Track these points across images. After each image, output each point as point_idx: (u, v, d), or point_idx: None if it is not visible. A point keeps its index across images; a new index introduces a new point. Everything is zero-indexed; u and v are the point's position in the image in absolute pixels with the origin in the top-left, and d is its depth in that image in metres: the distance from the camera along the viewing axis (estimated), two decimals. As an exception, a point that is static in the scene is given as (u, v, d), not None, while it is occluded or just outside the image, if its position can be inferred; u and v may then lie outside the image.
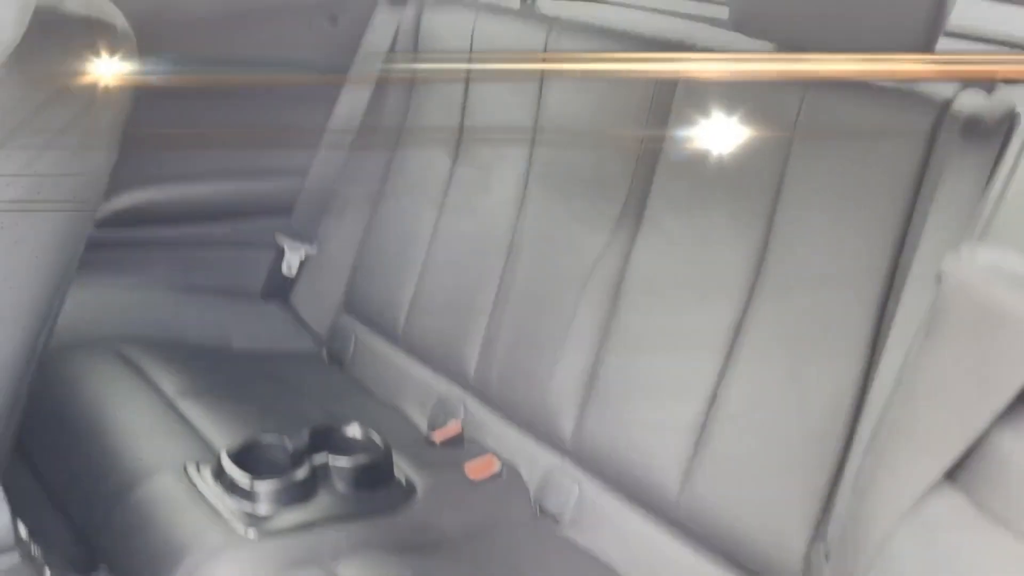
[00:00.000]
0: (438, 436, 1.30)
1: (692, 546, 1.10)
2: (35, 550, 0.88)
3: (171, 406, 1.21)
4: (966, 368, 0.34)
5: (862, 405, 0.99)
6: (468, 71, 1.40)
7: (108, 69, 0.97)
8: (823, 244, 1.02)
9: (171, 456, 1.09)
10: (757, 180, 1.08)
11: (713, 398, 1.10)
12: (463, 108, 1.42)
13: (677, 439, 1.11)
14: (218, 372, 1.35)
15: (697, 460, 1.09)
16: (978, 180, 0.88)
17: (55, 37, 0.94)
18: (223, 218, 1.51)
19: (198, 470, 1.07)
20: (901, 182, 0.95)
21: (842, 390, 0.99)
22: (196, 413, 1.20)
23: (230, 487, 1.03)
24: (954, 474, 0.36)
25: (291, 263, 1.57)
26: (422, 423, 1.40)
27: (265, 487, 1.02)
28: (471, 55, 1.40)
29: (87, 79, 0.94)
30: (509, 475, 1.26)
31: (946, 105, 0.92)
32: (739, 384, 1.07)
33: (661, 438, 1.13)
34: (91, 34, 0.96)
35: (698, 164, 1.12)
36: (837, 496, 0.98)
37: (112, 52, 0.97)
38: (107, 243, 1.40)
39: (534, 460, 1.27)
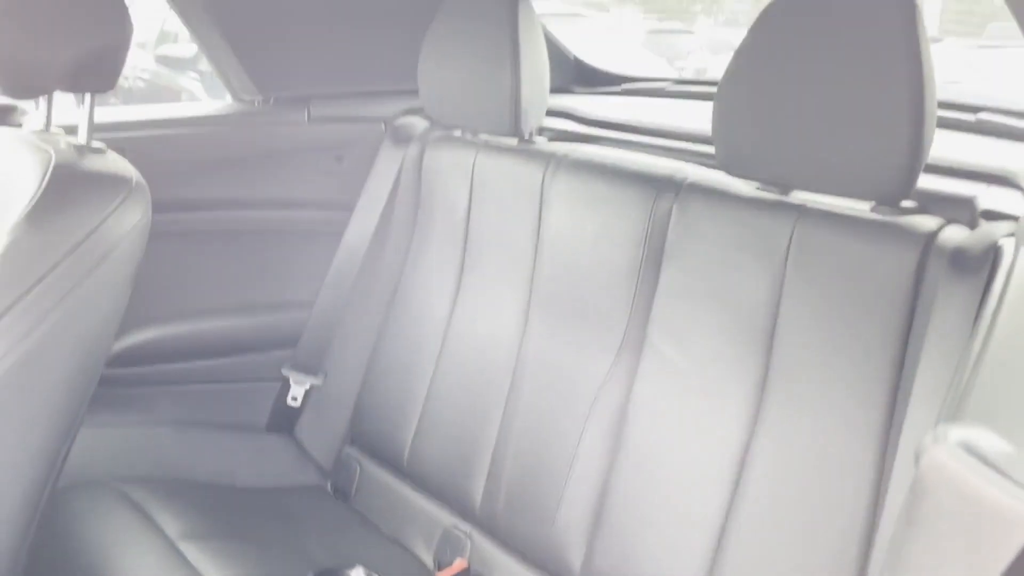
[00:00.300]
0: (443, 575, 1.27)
1: None
2: None
3: (174, 548, 1.19)
4: (948, 554, 0.34)
5: (873, 535, 0.98)
6: (469, 205, 1.45)
7: (123, 221, 1.02)
8: (822, 372, 1.03)
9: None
10: (753, 307, 1.10)
11: (722, 527, 1.08)
12: (465, 239, 1.46)
13: (687, 570, 1.09)
14: (222, 511, 1.34)
15: (711, 596, 1.07)
16: (968, 310, 0.90)
17: (73, 193, 0.99)
18: (229, 353, 1.53)
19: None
20: (894, 311, 0.97)
21: (851, 524, 0.98)
22: (199, 556, 1.19)
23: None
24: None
25: (296, 395, 1.58)
26: (428, 559, 1.38)
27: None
28: (472, 188, 1.45)
29: (103, 233, 0.98)
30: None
31: (931, 238, 0.95)
32: (748, 516, 1.06)
33: (671, 569, 1.10)
34: (108, 189, 1.01)
35: (695, 292, 1.15)
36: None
37: (128, 205, 1.02)
38: (112, 382, 1.42)
39: (545, 597, 1.24)
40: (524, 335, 1.36)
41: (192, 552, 1.19)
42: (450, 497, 1.40)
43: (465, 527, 1.37)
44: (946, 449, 0.35)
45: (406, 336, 1.53)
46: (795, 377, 1.05)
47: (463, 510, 1.38)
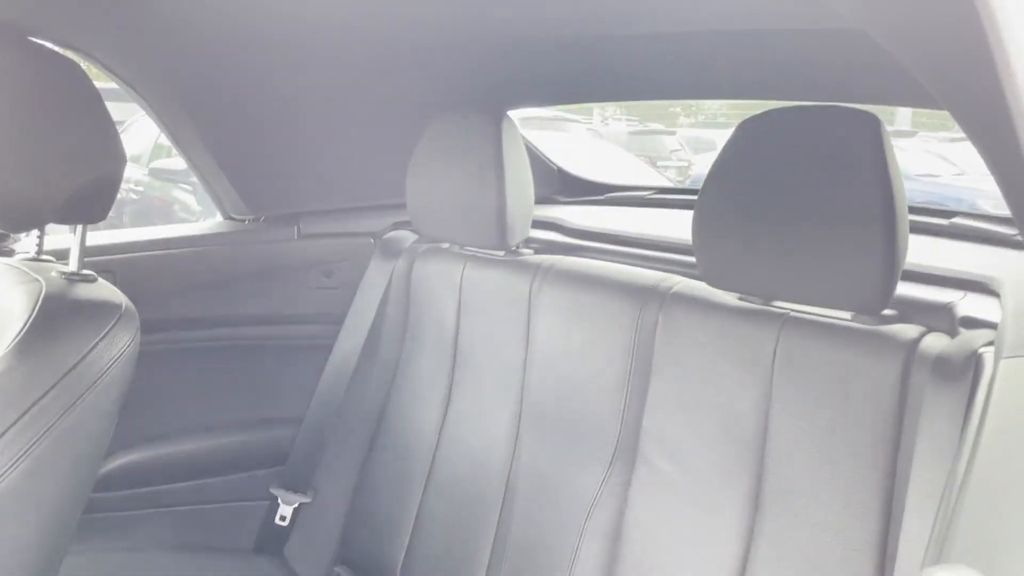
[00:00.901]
0: None
1: None
2: None
3: None
4: None
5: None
6: (458, 316, 1.47)
7: (112, 348, 1.02)
8: (814, 483, 1.02)
9: None
10: (743, 417, 1.10)
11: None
12: (454, 351, 1.47)
13: None
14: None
15: None
16: (955, 417, 0.90)
17: (63, 322, 1.00)
18: (217, 473, 1.51)
19: None
20: (882, 420, 0.97)
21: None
22: None
23: None
24: None
25: (285, 514, 1.55)
26: None
27: None
28: (460, 300, 1.46)
29: (92, 360, 0.99)
30: None
31: (913, 346, 0.96)
32: None
33: None
34: (97, 317, 1.02)
35: (685, 403, 1.15)
36: None
37: (116, 331, 1.02)
38: (98, 506, 1.39)
39: None
40: (516, 448, 1.35)
41: None
42: (444, 619, 1.35)
43: (460, 652, 1.32)
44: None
45: (396, 450, 1.51)
46: (788, 488, 1.04)
47: (458, 633, 1.33)
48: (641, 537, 1.16)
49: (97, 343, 0.99)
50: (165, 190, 5.55)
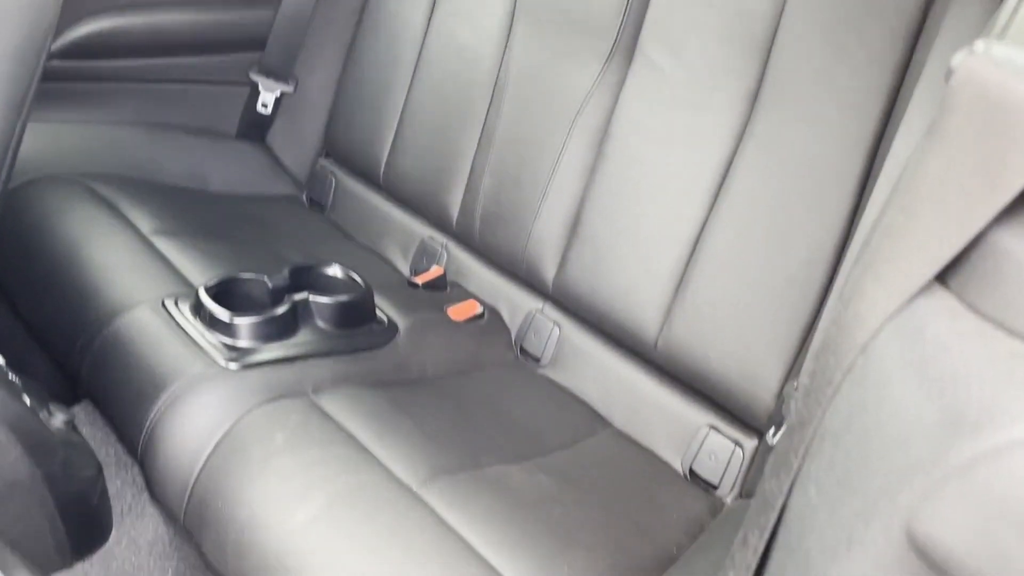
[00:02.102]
0: (420, 279, 1.29)
1: (668, 387, 1.13)
2: (13, 376, 0.88)
3: (146, 243, 1.19)
4: (971, 165, 0.32)
5: (844, 250, 0.99)
6: None
7: None
8: (818, 82, 0.98)
9: (148, 291, 1.08)
10: (754, 13, 1.03)
11: (696, 242, 1.09)
12: None
13: (658, 283, 1.12)
14: (195, 212, 1.32)
15: (677, 303, 1.10)
16: (981, 20, 0.84)
17: None
18: (192, 51, 1.43)
19: (176, 305, 1.06)
20: (904, 14, 0.91)
21: (826, 234, 0.99)
22: (172, 251, 1.18)
23: (209, 322, 1.02)
24: (945, 277, 0.35)
25: (266, 101, 1.51)
26: (404, 268, 1.40)
27: (245, 322, 1.02)
28: None
29: None
30: (491, 317, 1.27)
31: None
32: (723, 229, 1.06)
33: (642, 282, 1.13)
34: None
35: (695, -3, 1.07)
36: (813, 336, 0.99)
37: None
38: (68, 75, 1.33)
39: (516, 304, 1.28)
40: (508, 42, 1.28)
41: (165, 246, 1.19)
42: (426, 210, 1.39)
43: (441, 239, 1.37)
44: (983, 60, 0.32)
45: (381, 43, 1.44)
46: (789, 87, 1.00)
47: (439, 223, 1.37)
48: (630, 134, 1.15)
49: None
50: None
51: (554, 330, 1.22)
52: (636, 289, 1.13)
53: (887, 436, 0.29)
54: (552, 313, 1.24)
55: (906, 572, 0.28)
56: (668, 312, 1.11)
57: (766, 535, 0.36)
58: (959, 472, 0.28)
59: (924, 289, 0.34)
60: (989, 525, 0.28)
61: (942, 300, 0.33)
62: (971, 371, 0.30)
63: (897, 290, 0.35)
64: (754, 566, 0.37)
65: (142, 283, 1.09)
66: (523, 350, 1.25)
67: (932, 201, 0.34)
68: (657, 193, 1.12)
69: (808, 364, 0.37)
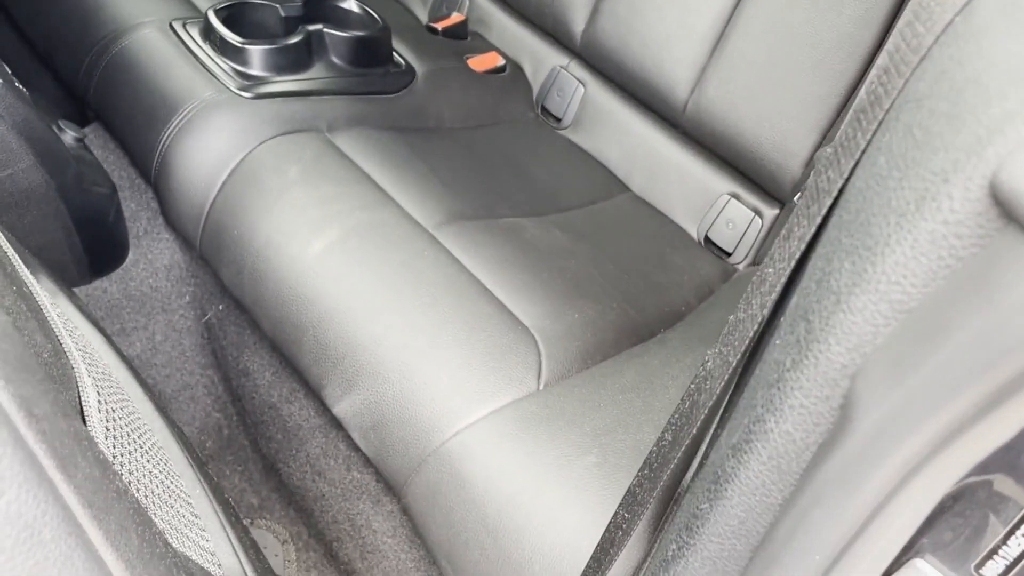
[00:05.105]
0: (440, 24, 1.22)
1: (692, 153, 1.09)
2: (19, 86, 0.84)
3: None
4: None
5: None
6: None
7: None
8: None
9: (154, 11, 1.02)
10: None
11: (736, 3, 1.01)
12: None
13: (695, 39, 1.05)
14: None
15: (712, 63, 1.04)
16: None
17: None
18: None
19: (184, 28, 1.00)
20: None
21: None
22: None
23: (220, 46, 0.97)
24: None
25: None
26: (422, 15, 1.32)
27: (257, 49, 0.97)
28: None
29: None
30: (513, 72, 1.21)
31: None
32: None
33: (678, 38, 1.06)
34: None
35: None
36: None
37: None
38: None
39: (540, 59, 1.21)
40: None
41: None
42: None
43: (463, -15, 1.28)
44: None
45: None
46: None
47: (463, -32, 1.28)
48: None
49: None
50: None
51: (578, 89, 1.17)
52: (670, 45, 1.07)
53: (983, 88, 0.27)
54: (577, 71, 1.18)
55: (976, 225, 0.27)
56: (702, 72, 1.05)
57: (816, 221, 0.34)
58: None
59: None
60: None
61: None
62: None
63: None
64: (798, 254, 0.35)
65: (147, 3, 1.03)
66: (544, 109, 1.20)
67: None
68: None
69: (891, 41, 0.33)
